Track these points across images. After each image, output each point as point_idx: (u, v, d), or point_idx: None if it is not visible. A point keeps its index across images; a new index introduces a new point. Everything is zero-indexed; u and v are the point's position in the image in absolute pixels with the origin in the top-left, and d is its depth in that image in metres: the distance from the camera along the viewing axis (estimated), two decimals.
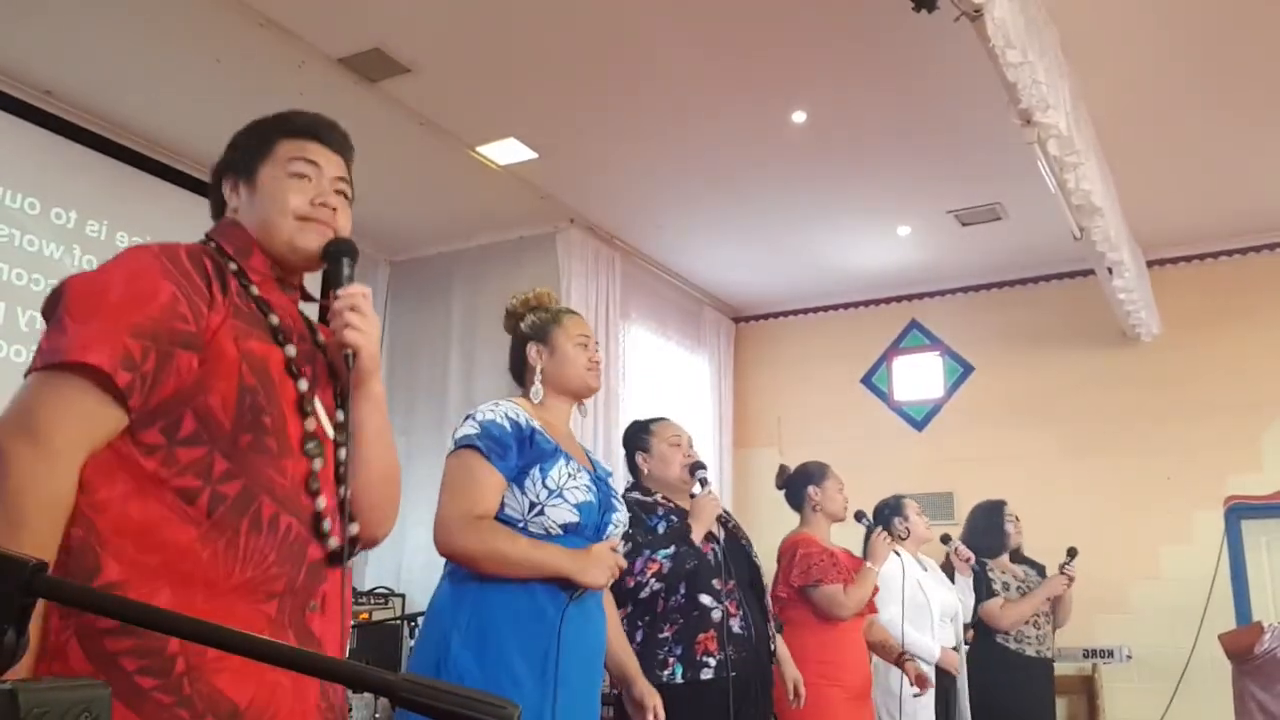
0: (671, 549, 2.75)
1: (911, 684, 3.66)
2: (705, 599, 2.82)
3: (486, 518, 2.01)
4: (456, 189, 5.60)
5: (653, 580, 2.71)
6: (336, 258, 1.39)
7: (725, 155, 5.22)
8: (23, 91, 4.47)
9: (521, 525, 2.03)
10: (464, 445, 2.04)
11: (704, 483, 2.96)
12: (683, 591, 2.79)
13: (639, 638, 2.74)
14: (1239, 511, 5.90)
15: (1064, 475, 6.22)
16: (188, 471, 1.18)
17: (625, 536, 2.68)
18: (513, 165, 5.32)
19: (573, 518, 2.04)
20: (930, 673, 3.87)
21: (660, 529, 2.82)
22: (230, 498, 1.19)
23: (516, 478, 2.04)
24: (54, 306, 1.20)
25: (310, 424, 1.30)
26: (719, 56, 4.34)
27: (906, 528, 4.24)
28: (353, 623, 5.11)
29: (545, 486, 2.04)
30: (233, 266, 1.33)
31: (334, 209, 1.41)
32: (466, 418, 2.11)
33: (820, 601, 3.47)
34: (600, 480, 2.19)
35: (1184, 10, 4.05)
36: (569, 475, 2.07)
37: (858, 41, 4.21)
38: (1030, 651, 4.48)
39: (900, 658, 3.75)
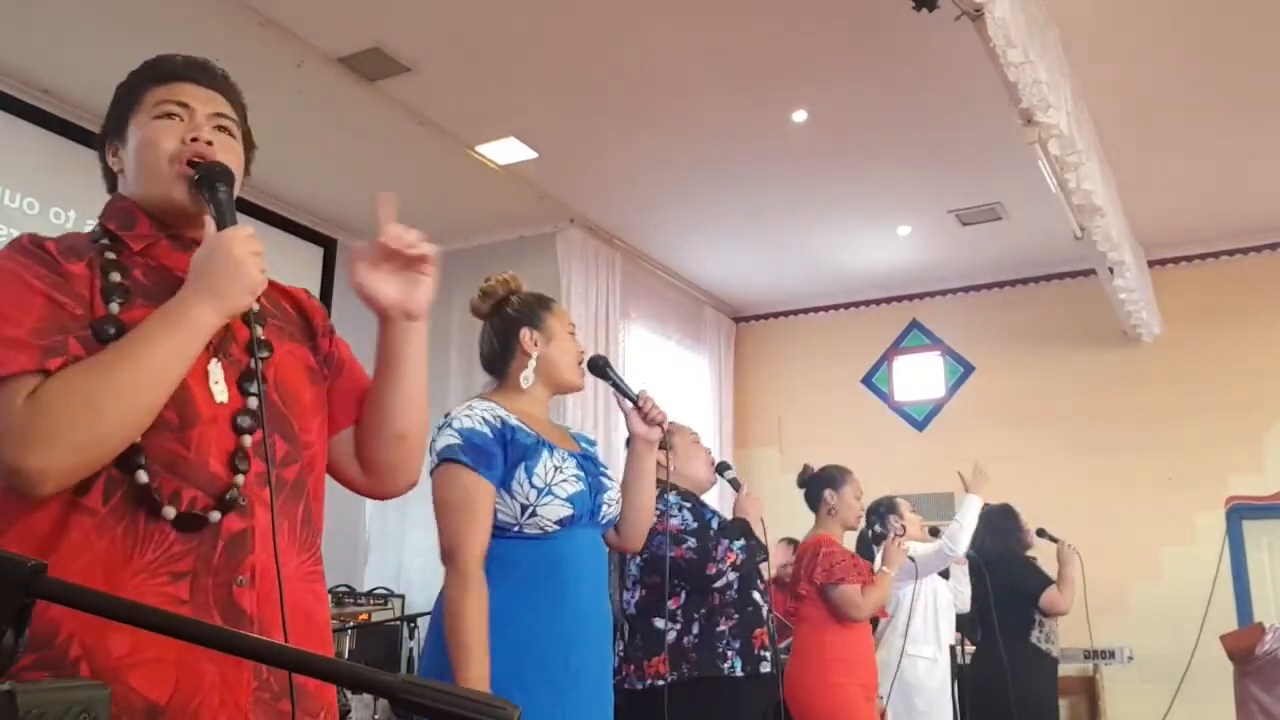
0: (742, 541, 2.80)
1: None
2: (756, 595, 2.88)
3: (483, 553, 1.94)
4: (456, 189, 5.59)
5: (729, 570, 2.75)
6: (207, 183, 1.24)
7: (726, 155, 5.22)
8: (22, 91, 4.47)
9: (516, 529, 1.96)
10: (448, 459, 1.95)
11: (735, 483, 3.03)
12: (737, 586, 2.83)
13: (695, 630, 2.75)
14: (1240, 512, 5.90)
15: (1065, 475, 6.22)
16: None
17: (693, 532, 2.73)
18: (513, 165, 5.32)
19: (566, 511, 1.98)
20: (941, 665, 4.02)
21: (715, 524, 2.84)
22: (143, 479, 1.14)
23: (503, 481, 1.96)
24: None
25: (220, 391, 1.21)
26: (719, 56, 4.34)
27: (902, 525, 4.27)
28: (352, 624, 5.15)
29: (533, 486, 1.96)
30: (103, 241, 1.25)
31: (209, 143, 1.27)
32: (443, 425, 2.01)
33: (838, 601, 3.49)
34: (588, 460, 2.12)
35: (1185, 11, 4.04)
36: (555, 468, 1.99)
37: (858, 41, 4.21)
38: (1055, 652, 4.56)
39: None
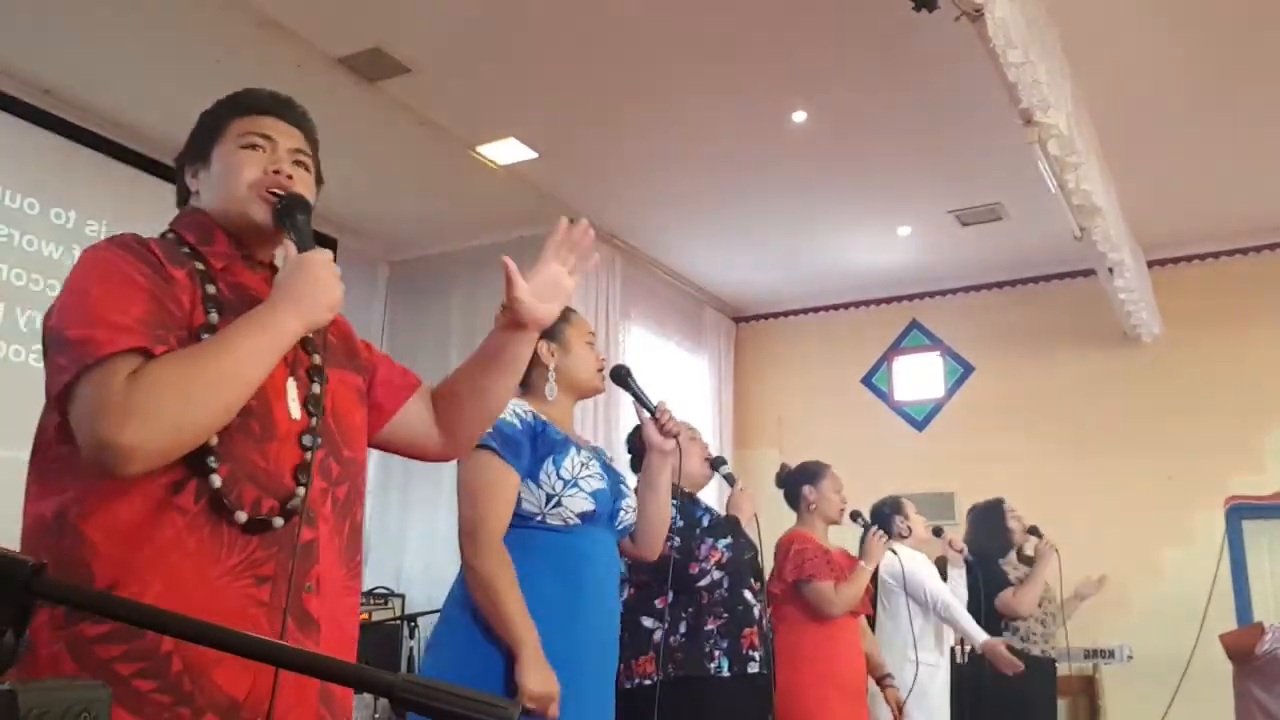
0: (729, 539, 2.81)
1: (890, 708, 3.75)
2: (748, 594, 2.89)
3: (503, 533, 2.02)
4: (456, 189, 5.59)
5: (714, 569, 2.77)
6: (289, 212, 1.34)
7: (726, 155, 5.22)
8: (22, 91, 4.47)
9: (539, 519, 2.04)
10: (479, 445, 2.02)
11: (730, 478, 3.03)
12: (726, 585, 2.83)
13: (683, 629, 2.76)
14: (1240, 512, 5.89)
15: (1065, 476, 6.21)
16: (177, 461, 1.17)
17: (677, 530, 2.73)
18: (513, 165, 5.32)
19: (589, 506, 2.06)
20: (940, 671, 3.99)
21: (705, 521, 2.84)
22: (216, 484, 1.19)
23: (530, 472, 2.06)
24: (49, 346, 1.20)
25: (294, 409, 1.29)
26: (719, 56, 4.34)
27: (908, 526, 4.26)
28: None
29: (560, 478, 2.05)
30: (184, 250, 1.31)
31: (289, 175, 1.38)
32: None
33: (811, 598, 3.48)
34: (609, 466, 2.21)
35: (1185, 10, 4.04)
36: (581, 464, 2.09)
37: (858, 41, 4.21)
38: (1036, 651, 4.50)
39: (882, 680, 3.80)
